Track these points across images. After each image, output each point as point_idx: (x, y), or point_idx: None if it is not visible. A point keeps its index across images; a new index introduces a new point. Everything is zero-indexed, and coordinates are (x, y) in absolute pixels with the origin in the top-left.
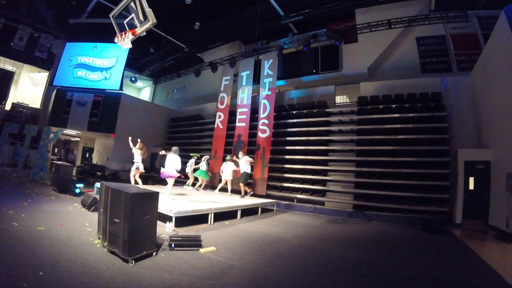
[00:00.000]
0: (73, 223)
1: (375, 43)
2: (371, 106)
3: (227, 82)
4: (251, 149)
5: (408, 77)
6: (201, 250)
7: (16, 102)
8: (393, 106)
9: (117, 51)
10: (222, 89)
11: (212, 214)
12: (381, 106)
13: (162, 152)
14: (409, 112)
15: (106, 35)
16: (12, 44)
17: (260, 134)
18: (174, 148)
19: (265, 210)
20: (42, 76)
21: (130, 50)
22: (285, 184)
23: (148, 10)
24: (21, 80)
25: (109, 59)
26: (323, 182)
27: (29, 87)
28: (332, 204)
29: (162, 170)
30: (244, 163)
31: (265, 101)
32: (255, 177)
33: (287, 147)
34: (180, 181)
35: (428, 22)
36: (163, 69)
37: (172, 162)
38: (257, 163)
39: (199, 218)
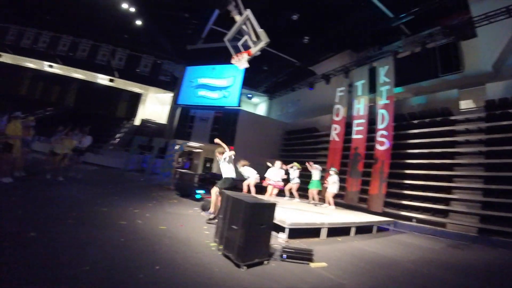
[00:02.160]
0: (192, 225)
1: (497, 35)
2: (501, 111)
3: (342, 93)
4: (369, 162)
5: None
6: (312, 264)
7: (144, 118)
8: None
9: (233, 71)
10: (337, 100)
11: (326, 229)
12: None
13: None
14: None
15: (223, 57)
16: (138, 70)
17: (378, 147)
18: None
19: (381, 229)
20: (167, 96)
21: (246, 69)
22: (404, 202)
23: (259, 31)
24: (148, 100)
25: (227, 79)
26: (445, 201)
27: (155, 106)
28: (454, 226)
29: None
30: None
31: (383, 111)
32: (371, 192)
33: (407, 161)
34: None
35: None
36: (277, 85)
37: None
38: (375, 178)
39: (311, 231)
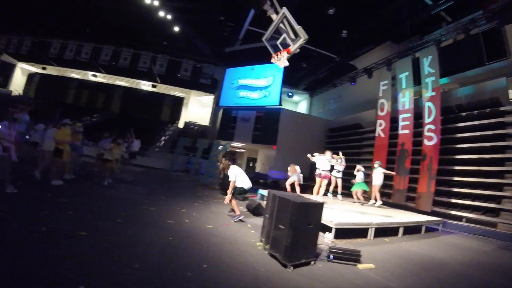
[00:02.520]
0: (237, 224)
1: None
2: None
3: (386, 87)
4: (416, 159)
5: None
6: (359, 265)
7: (187, 121)
8: None
9: (273, 70)
10: (380, 94)
11: (373, 229)
12: None
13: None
14: None
15: (261, 57)
16: (179, 75)
17: (426, 142)
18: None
19: (429, 229)
20: (208, 99)
21: (285, 67)
22: (453, 200)
23: (297, 28)
24: (190, 103)
25: (267, 79)
26: (497, 199)
27: (197, 108)
28: (506, 226)
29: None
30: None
31: (429, 104)
32: (420, 191)
33: (456, 157)
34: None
35: None
36: (317, 81)
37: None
38: (423, 175)
39: (357, 232)
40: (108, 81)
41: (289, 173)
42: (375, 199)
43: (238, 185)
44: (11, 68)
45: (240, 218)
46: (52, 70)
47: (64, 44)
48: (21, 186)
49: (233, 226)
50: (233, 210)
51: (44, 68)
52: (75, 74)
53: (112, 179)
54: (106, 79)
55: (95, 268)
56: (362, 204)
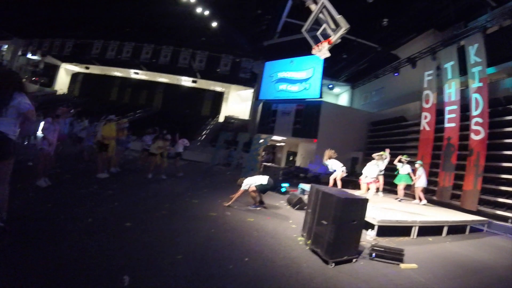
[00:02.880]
0: (278, 219)
1: None
2: None
3: (430, 78)
4: (462, 154)
5: None
6: (402, 265)
7: (227, 115)
8: None
9: (312, 62)
10: (425, 85)
11: (417, 228)
12: None
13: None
14: None
15: (300, 49)
16: (218, 70)
17: (473, 136)
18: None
19: (473, 229)
20: (247, 93)
21: (325, 59)
22: (500, 200)
23: (338, 18)
24: (230, 97)
25: (307, 71)
26: None
27: (237, 103)
28: None
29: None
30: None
31: (476, 95)
32: (465, 188)
33: (505, 152)
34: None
35: None
36: (358, 73)
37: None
38: (469, 172)
39: (400, 230)
40: (150, 78)
41: (325, 160)
42: (419, 199)
43: (257, 183)
44: (55, 69)
45: (257, 207)
46: (95, 69)
47: (106, 44)
48: (68, 179)
49: (274, 220)
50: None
51: (87, 68)
52: (118, 72)
53: (157, 173)
54: (147, 76)
55: (139, 258)
56: (400, 201)
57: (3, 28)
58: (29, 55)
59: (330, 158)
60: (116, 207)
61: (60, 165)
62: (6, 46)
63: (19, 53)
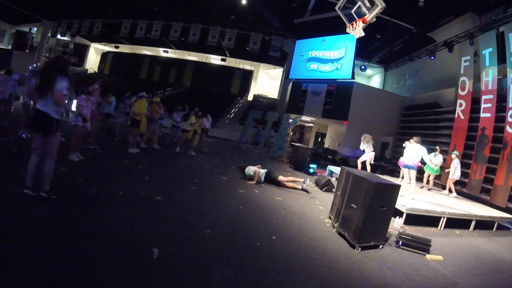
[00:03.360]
0: (306, 199)
1: None
2: None
3: (467, 63)
4: (496, 147)
5: None
6: (428, 256)
7: (256, 94)
8: None
9: (345, 41)
10: (462, 71)
11: (445, 219)
12: None
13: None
14: None
15: (332, 28)
16: (248, 48)
17: (508, 129)
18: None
19: (501, 226)
20: (277, 72)
21: (357, 38)
22: None
23: None
24: (259, 76)
25: (338, 50)
26: None
27: (266, 81)
28: None
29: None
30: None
31: None
32: (497, 183)
33: None
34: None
35: None
36: (392, 55)
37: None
38: (502, 166)
39: (427, 220)
40: (179, 57)
41: (363, 144)
42: (450, 190)
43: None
44: (85, 48)
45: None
46: (124, 48)
47: (134, 23)
48: (99, 154)
49: (302, 200)
50: None
51: (116, 47)
52: (147, 51)
53: (186, 149)
54: (177, 54)
55: (168, 232)
56: (429, 190)
57: (32, 11)
58: (59, 36)
59: (367, 141)
60: (146, 182)
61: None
62: (35, 29)
63: (49, 34)
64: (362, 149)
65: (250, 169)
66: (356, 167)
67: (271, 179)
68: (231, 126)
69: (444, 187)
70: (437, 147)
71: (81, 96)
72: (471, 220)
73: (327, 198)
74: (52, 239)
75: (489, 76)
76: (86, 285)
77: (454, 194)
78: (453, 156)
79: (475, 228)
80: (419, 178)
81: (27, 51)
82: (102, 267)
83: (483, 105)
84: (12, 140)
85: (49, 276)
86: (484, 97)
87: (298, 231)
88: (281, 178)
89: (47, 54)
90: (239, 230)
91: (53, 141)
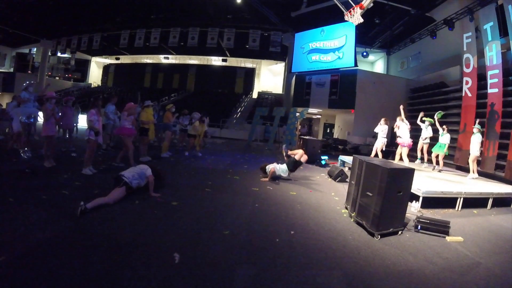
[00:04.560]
0: (321, 191)
1: None
2: None
3: (469, 40)
4: (507, 121)
5: None
6: (448, 238)
7: (261, 91)
8: None
9: (344, 29)
10: (465, 49)
11: (461, 199)
12: None
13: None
14: None
15: (330, 17)
16: (247, 46)
17: None
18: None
19: None
20: (279, 67)
21: (357, 25)
22: None
23: None
24: (261, 73)
25: (339, 39)
26: None
27: (269, 78)
28: None
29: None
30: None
31: None
32: (510, 158)
33: None
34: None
35: None
36: (393, 38)
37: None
38: None
39: (445, 201)
40: (180, 62)
41: (379, 126)
42: (473, 171)
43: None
44: (86, 63)
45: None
46: (125, 59)
47: (133, 33)
48: (112, 166)
49: (316, 193)
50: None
51: (117, 59)
52: (148, 59)
53: (196, 151)
54: (178, 60)
55: (187, 236)
56: (439, 171)
57: (30, 33)
58: (59, 54)
59: (383, 125)
60: (161, 188)
61: (102, 153)
62: (35, 49)
63: (49, 53)
64: (376, 132)
65: (269, 167)
66: (368, 155)
67: (295, 165)
68: (239, 126)
69: (459, 167)
70: (444, 126)
71: (91, 110)
72: (488, 198)
73: (342, 189)
74: (69, 249)
75: (493, 51)
76: None
77: (475, 175)
78: (474, 130)
79: (492, 206)
80: (429, 160)
81: (29, 72)
82: (124, 278)
83: (489, 81)
84: (23, 160)
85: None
86: (489, 73)
87: (316, 224)
88: (297, 156)
89: (49, 73)
90: (257, 228)
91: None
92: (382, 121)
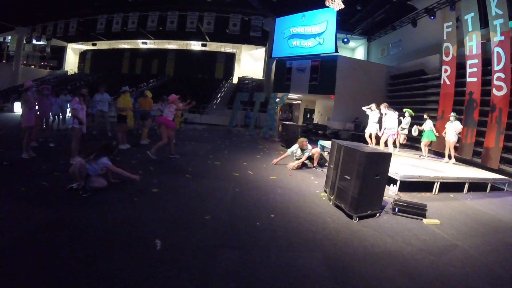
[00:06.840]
0: (300, 175)
1: None
2: None
3: (450, 29)
4: (484, 110)
5: None
6: (425, 220)
7: (241, 76)
8: None
9: (325, 15)
10: (445, 38)
11: (438, 184)
12: None
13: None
14: None
15: (312, 3)
16: (228, 31)
17: (495, 92)
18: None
19: (494, 188)
20: (260, 52)
21: (339, 11)
22: None
23: None
24: (242, 58)
25: (320, 25)
26: None
27: (250, 63)
28: None
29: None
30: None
31: (498, 49)
32: (487, 145)
33: None
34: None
35: None
36: (374, 25)
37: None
38: (492, 129)
39: (422, 185)
40: (159, 47)
41: (369, 111)
42: (449, 157)
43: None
44: (62, 50)
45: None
46: (102, 45)
47: (110, 18)
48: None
49: (297, 177)
50: None
51: (94, 44)
52: (126, 44)
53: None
54: (156, 45)
55: (168, 223)
56: (420, 157)
57: (5, 20)
58: (34, 41)
59: (373, 110)
60: (141, 176)
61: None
62: (9, 37)
63: (24, 41)
64: (368, 114)
65: (297, 148)
66: (348, 140)
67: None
68: (219, 111)
69: (438, 154)
70: (425, 114)
71: (75, 99)
72: (465, 183)
73: (321, 173)
74: (52, 241)
75: (473, 41)
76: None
77: (453, 160)
78: (451, 118)
79: (468, 190)
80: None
81: (4, 61)
82: (106, 267)
83: (468, 70)
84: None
85: (54, 278)
86: (469, 62)
87: (296, 207)
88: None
89: (24, 62)
90: (238, 213)
91: None
92: (374, 106)
